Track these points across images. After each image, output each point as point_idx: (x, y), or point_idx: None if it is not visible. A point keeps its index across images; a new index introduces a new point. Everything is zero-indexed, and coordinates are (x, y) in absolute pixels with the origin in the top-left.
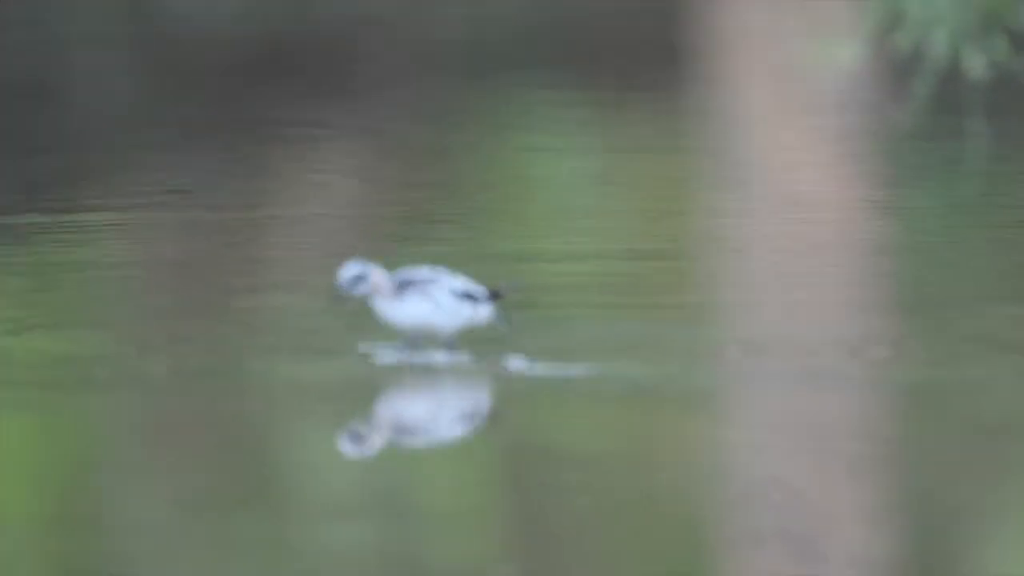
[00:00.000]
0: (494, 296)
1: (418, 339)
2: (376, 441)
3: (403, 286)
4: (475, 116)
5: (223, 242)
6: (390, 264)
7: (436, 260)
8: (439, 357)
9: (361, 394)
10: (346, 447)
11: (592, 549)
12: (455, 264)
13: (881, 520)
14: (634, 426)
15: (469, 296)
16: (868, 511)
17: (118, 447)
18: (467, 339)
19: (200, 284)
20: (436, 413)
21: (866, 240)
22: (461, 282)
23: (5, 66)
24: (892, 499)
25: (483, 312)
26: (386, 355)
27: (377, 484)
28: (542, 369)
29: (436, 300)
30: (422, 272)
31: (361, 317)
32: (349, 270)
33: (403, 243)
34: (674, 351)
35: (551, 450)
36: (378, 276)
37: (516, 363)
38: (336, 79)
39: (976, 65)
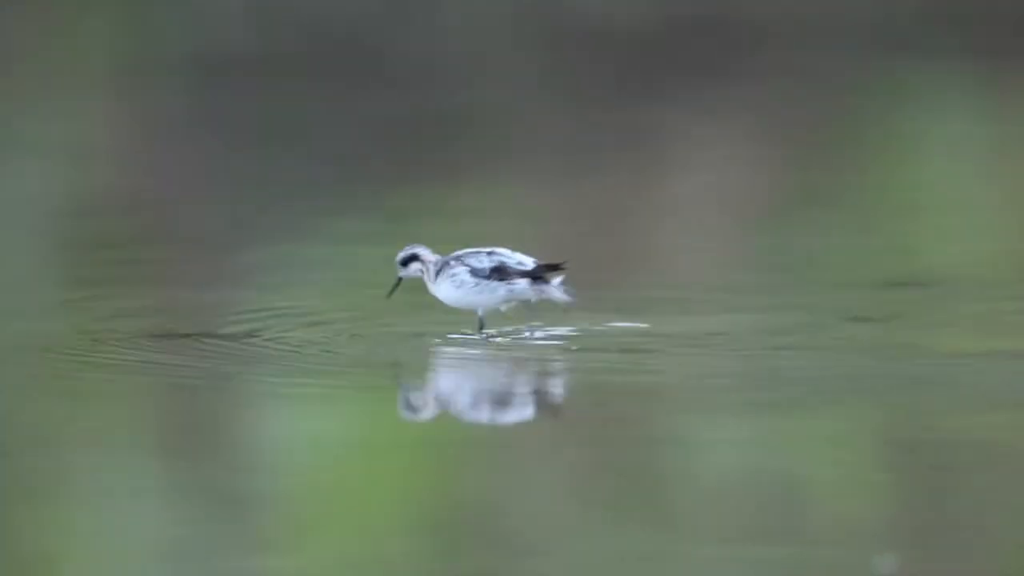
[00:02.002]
0: (551, 269)
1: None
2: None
3: (439, 268)
4: (869, 92)
5: (612, 223)
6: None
7: (812, 240)
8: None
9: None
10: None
11: (977, 539)
12: (836, 247)
13: None
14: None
15: (498, 272)
16: None
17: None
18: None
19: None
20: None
21: None
22: (490, 260)
23: (395, 49)
24: None
25: (520, 289)
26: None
27: (763, 460)
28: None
29: (458, 280)
30: (461, 252)
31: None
32: (402, 252)
33: (784, 223)
34: None
35: (928, 439)
36: (428, 257)
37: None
38: (723, 59)
39: None
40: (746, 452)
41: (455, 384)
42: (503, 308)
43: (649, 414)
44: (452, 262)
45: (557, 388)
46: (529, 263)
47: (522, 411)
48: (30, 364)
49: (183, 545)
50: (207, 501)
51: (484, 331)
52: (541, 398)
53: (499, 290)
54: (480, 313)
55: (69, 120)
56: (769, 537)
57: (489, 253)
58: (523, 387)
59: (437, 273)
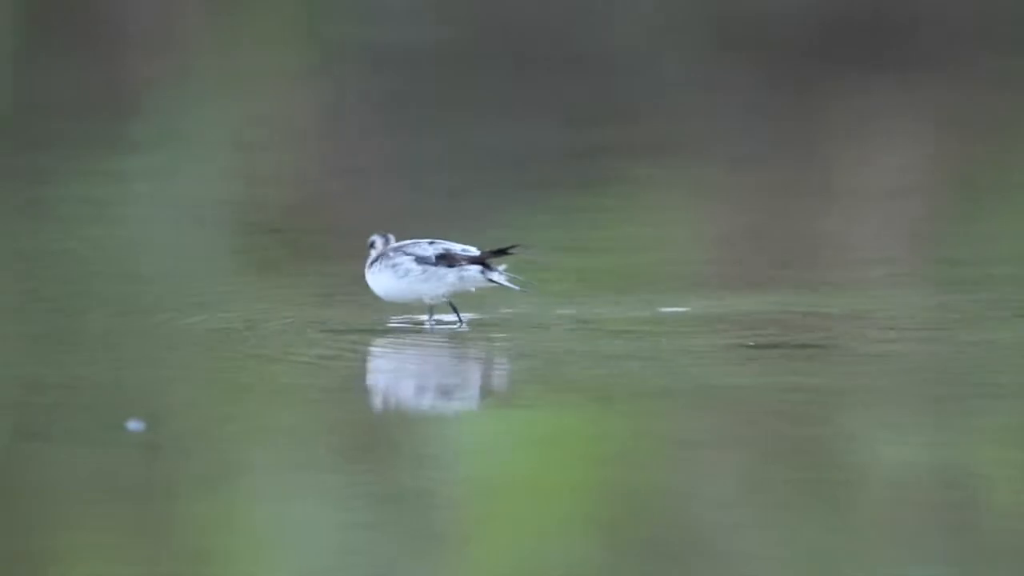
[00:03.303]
0: (498, 254)
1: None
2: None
3: (376, 259)
4: None
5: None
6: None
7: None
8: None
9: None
10: None
11: None
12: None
13: None
14: None
15: (446, 259)
16: None
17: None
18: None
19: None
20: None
21: None
22: (434, 248)
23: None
24: None
25: (471, 275)
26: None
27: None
28: None
29: (402, 269)
30: (401, 243)
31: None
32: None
33: (961, 215)
34: None
35: None
36: (380, 247)
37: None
38: (893, 50)
39: None
40: (924, 448)
41: (630, 379)
42: (445, 297)
43: (824, 407)
44: (391, 253)
45: (734, 381)
46: (473, 250)
47: (702, 404)
48: (213, 356)
49: (354, 545)
50: (380, 500)
51: (432, 320)
52: (715, 392)
53: (448, 276)
54: (428, 301)
55: (251, 109)
56: (948, 532)
57: (431, 242)
58: (701, 380)
59: (372, 262)
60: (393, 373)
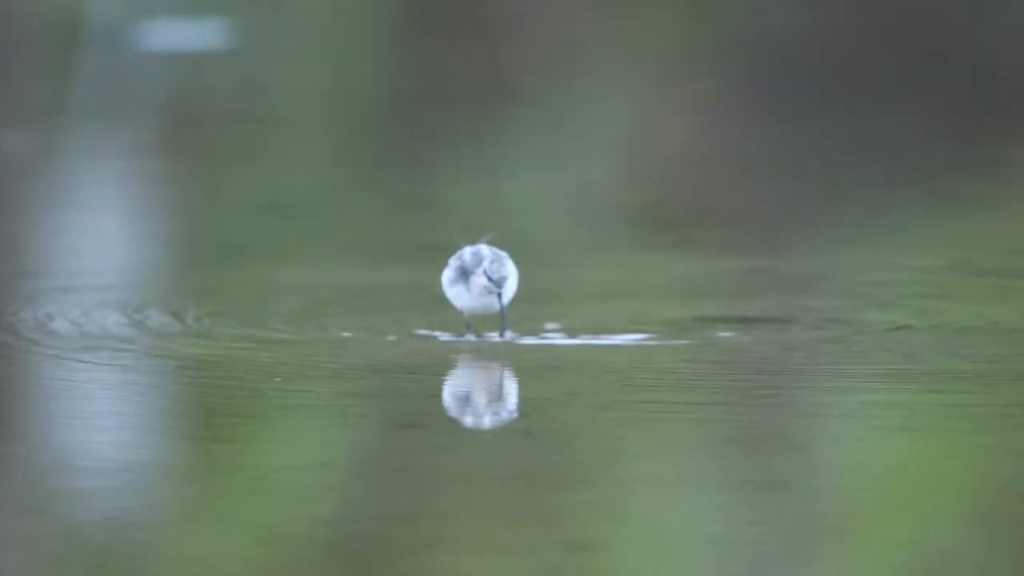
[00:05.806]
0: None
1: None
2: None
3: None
4: None
5: None
6: None
7: None
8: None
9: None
10: None
11: None
12: None
13: None
14: None
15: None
16: None
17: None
18: None
19: None
20: None
21: None
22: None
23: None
24: None
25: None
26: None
27: None
28: None
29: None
30: (471, 254)
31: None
32: (500, 271)
33: None
34: None
35: None
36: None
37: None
38: None
39: None
40: None
41: (989, 364)
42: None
43: None
44: (503, 258)
45: None
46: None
47: None
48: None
49: (735, 535)
50: (759, 488)
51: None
52: None
53: None
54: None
55: (632, 100)
56: None
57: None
58: None
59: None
60: (754, 363)
